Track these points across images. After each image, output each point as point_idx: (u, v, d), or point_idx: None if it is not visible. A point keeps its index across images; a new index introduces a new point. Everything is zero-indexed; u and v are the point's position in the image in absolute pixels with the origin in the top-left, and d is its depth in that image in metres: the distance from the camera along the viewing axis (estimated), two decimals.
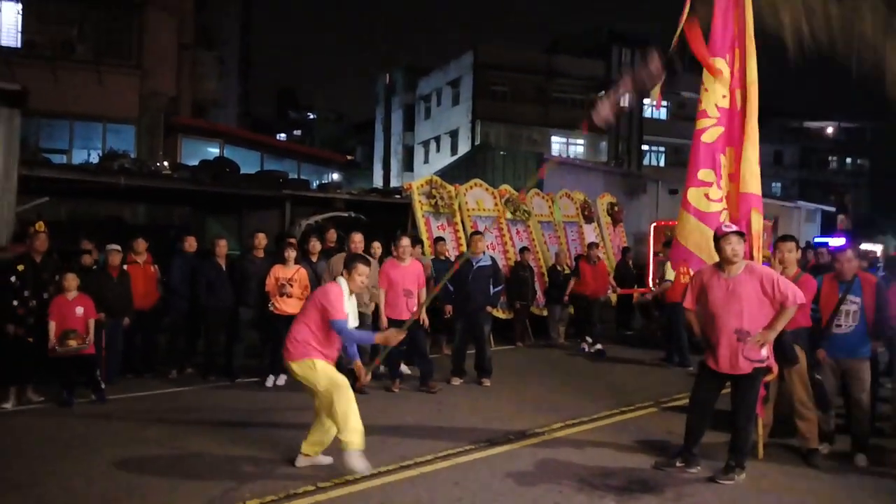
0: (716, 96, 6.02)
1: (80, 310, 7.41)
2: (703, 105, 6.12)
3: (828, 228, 27.92)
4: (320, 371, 5.22)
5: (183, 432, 6.31)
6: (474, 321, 8.87)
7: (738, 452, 5.38)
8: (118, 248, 8.39)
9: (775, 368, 5.66)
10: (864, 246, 16.47)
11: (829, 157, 53.75)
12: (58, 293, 7.41)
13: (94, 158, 16.06)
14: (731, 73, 5.99)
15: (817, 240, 19.72)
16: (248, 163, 20.30)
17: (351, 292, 5.38)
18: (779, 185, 48.45)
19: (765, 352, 5.23)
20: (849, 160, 53.32)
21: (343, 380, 5.25)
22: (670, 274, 10.37)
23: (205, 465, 5.46)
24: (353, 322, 5.38)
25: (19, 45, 18.51)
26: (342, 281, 5.38)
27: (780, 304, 5.14)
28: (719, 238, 5.34)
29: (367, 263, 5.51)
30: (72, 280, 7.47)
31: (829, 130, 53.44)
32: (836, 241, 9.57)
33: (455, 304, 9.02)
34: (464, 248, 11.55)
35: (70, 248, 9.11)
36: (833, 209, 30.30)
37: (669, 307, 10.43)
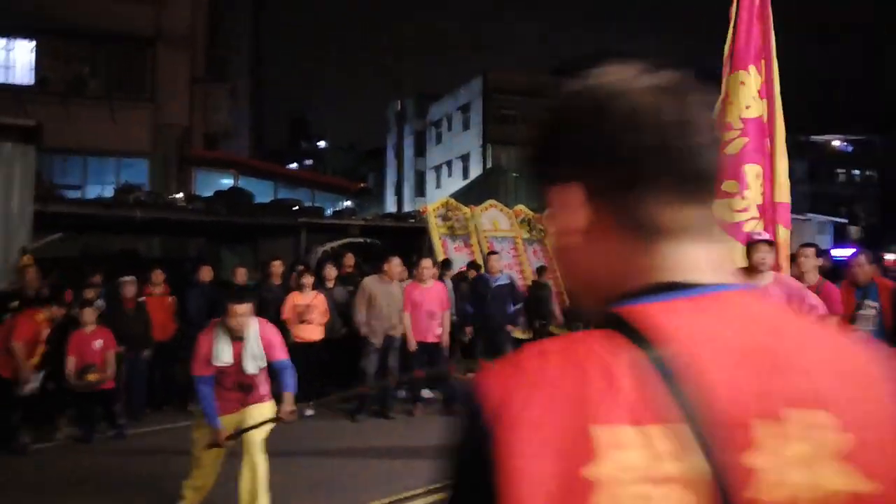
0: (740, 108, 6.00)
1: (98, 343, 7.38)
2: (726, 117, 6.09)
3: (840, 240, 27.74)
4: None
5: None
6: (495, 340, 8.80)
7: None
8: (132, 279, 8.38)
9: None
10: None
11: (837, 170, 53.48)
12: (76, 328, 7.39)
13: (108, 193, 16.16)
14: (763, 84, 5.98)
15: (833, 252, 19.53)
16: (262, 192, 20.35)
17: (233, 336, 4.59)
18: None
19: None
20: (857, 172, 53.01)
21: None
22: None
23: (228, 497, 5.36)
24: (252, 366, 4.61)
25: (33, 83, 18.74)
26: (217, 327, 4.62)
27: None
28: (749, 246, 5.28)
29: (241, 301, 4.64)
30: (89, 313, 7.45)
31: (836, 143, 53.26)
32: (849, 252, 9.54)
33: (475, 325, 8.96)
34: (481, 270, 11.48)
35: (84, 283, 9.10)
36: (845, 220, 30.14)
37: None
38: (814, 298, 5.13)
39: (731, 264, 0.72)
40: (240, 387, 4.68)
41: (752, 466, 0.62)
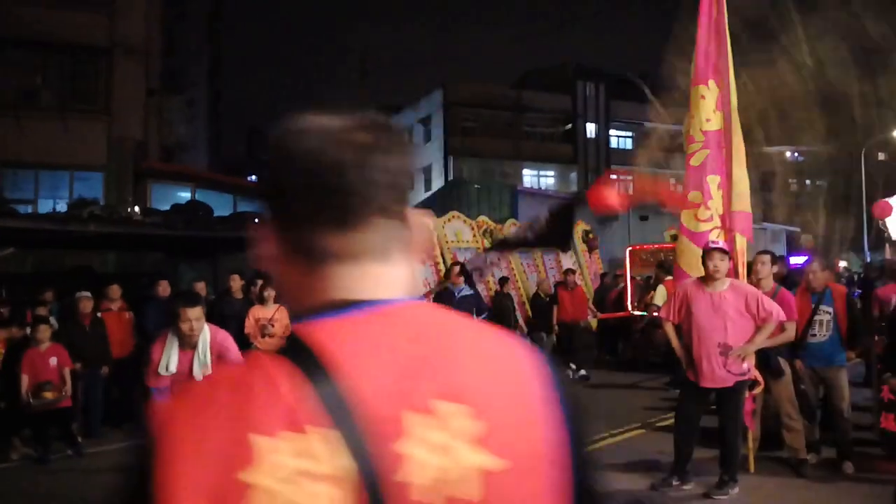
0: (700, 121, 6.15)
1: (53, 360, 7.21)
2: (689, 131, 6.24)
3: (793, 248, 28.42)
4: None
5: None
6: None
7: (730, 466, 5.38)
8: (88, 294, 8.21)
9: (762, 381, 5.72)
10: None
11: (790, 180, 54.80)
12: (28, 346, 7.22)
13: (62, 207, 15.82)
14: (719, 97, 6.13)
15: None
16: (221, 205, 20.10)
17: (184, 343, 4.49)
18: None
19: (746, 365, 5.30)
20: (808, 182, 54.37)
21: None
22: (661, 298, 10.43)
23: None
24: (201, 375, 4.41)
25: None
26: (170, 335, 4.52)
27: (762, 321, 5.20)
28: (704, 254, 5.42)
29: (193, 305, 4.52)
30: (44, 331, 7.27)
31: (787, 155, 54.59)
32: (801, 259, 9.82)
33: None
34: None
35: (36, 299, 8.90)
36: (797, 229, 30.94)
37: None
38: (770, 303, 5.28)
39: (413, 279, 0.81)
40: None
41: (403, 453, 0.73)
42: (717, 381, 5.26)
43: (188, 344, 4.50)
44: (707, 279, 5.40)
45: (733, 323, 5.23)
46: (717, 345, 5.22)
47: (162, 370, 4.44)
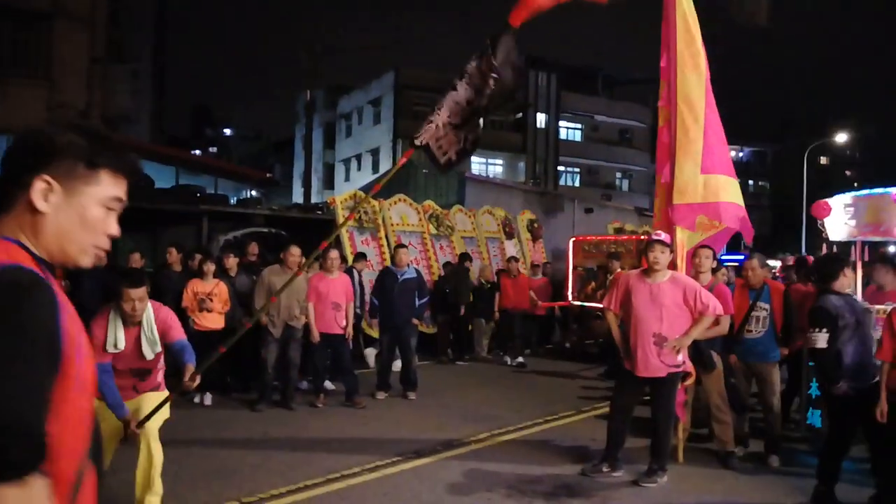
0: (662, 118, 6.25)
1: None
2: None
3: (732, 246, 29.14)
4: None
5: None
6: (401, 334, 8.83)
7: (660, 455, 5.51)
8: None
9: (694, 373, 5.87)
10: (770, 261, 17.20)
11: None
12: None
13: None
14: (664, 91, 6.19)
15: (724, 257, 20.50)
16: (163, 177, 19.69)
17: (127, 321, 4.44)
18: None
19: (680, 357, 5.42)
20: (751, 182, 55.82)
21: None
22: None
23: (123, 485, 5.18)
24: (149, 351, 4.49)
25: None
26: (112, 311, 4.44)
27: (699, 314, 5.35)
28: (645, 245, 5.54)
29: (137, 285, 4.42)
30: None
31: (733, 153, 55.93)
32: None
33: (381, 318, 8.97)
34: (388, 263, 11.49)
35: None
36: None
37: None
38: (707, 297, 5.42)
39: None
40: (135, 373, 4.54)
41: None
42: (651, 370, 5.37)
43: (131, 322, 4.46)
44: (648, 270, 5.53)
45: (670, 314, 5.34)
46: (652, 335, 5.34)
47: (110, 347, 4.37)
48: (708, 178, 5.89)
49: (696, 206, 5.91)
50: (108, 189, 1.41)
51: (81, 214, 1.37)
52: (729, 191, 6.00)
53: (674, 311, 5.37)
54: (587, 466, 5.74)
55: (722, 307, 5.57)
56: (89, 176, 1.38)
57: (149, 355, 4.51)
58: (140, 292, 4.42)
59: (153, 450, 4.39)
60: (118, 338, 4.41)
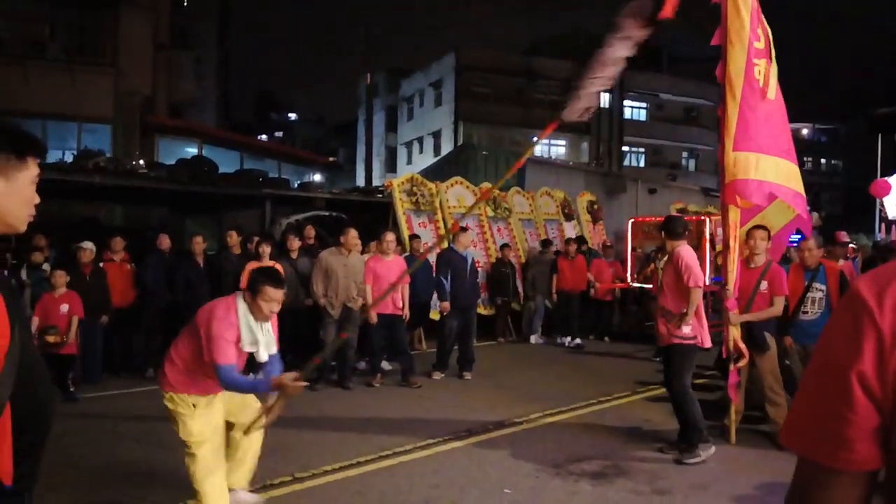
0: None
1: (64, 307, 7.37)
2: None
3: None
4: (182, 412, 4.07)
5: (160, 428, 6.24)
6: (467, 314, 8.94)
7: (685, 431, 5.64)
8: (90, 244, 8.32)
9: (747, 355, 5.78)
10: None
11: (805, 158, 54.29)
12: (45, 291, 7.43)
13: (69, 158, 15.86)
14: (719, 67, 6.01)
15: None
16: (228, 163, 20.18)
17: (256, 319, 4.00)
18: None
19: (687, 329, 5.56)
20: (823, 161, 53.89)
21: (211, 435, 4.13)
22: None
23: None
24: (265, 353, 4.05)
25: None
26: (241, 304, 4.00)
27: (689, 288, 5.54)
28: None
29: (279, 285, 4.02)
30: (59, 277, 7.45)
31: (805, 132, 54.01)
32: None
33: (453, 300, 8.92)
34: (444, 246, 11.55)
35: (28, 246, 8.97)
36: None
37: None
38: (688, 268, 5.55)
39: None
40: (245, 372, 4.22)
41: None
42: (662, 339, 5.78)
43: (260, 321, 4.05)
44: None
45: (669, 289, 5.68)
46: (660, 308, 5.76)
47: (249, 346, 3.98)
48: (738, 156, 5.70)
49: (741, 182, 5.74)
50: (33, 170, 1.76)
51: (21, 194, 1.73)
52: (762, 169, 5.72)
53: (672, 285, 5.69)
54: (665, 445, 5.80)
55: (776, 289, 5.83)
56: (21, 164, 1.72)
57: (265, 358, 4.10)
58: (282, 294, 4.08)
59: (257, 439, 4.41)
60: (256, 337, 4.00)
